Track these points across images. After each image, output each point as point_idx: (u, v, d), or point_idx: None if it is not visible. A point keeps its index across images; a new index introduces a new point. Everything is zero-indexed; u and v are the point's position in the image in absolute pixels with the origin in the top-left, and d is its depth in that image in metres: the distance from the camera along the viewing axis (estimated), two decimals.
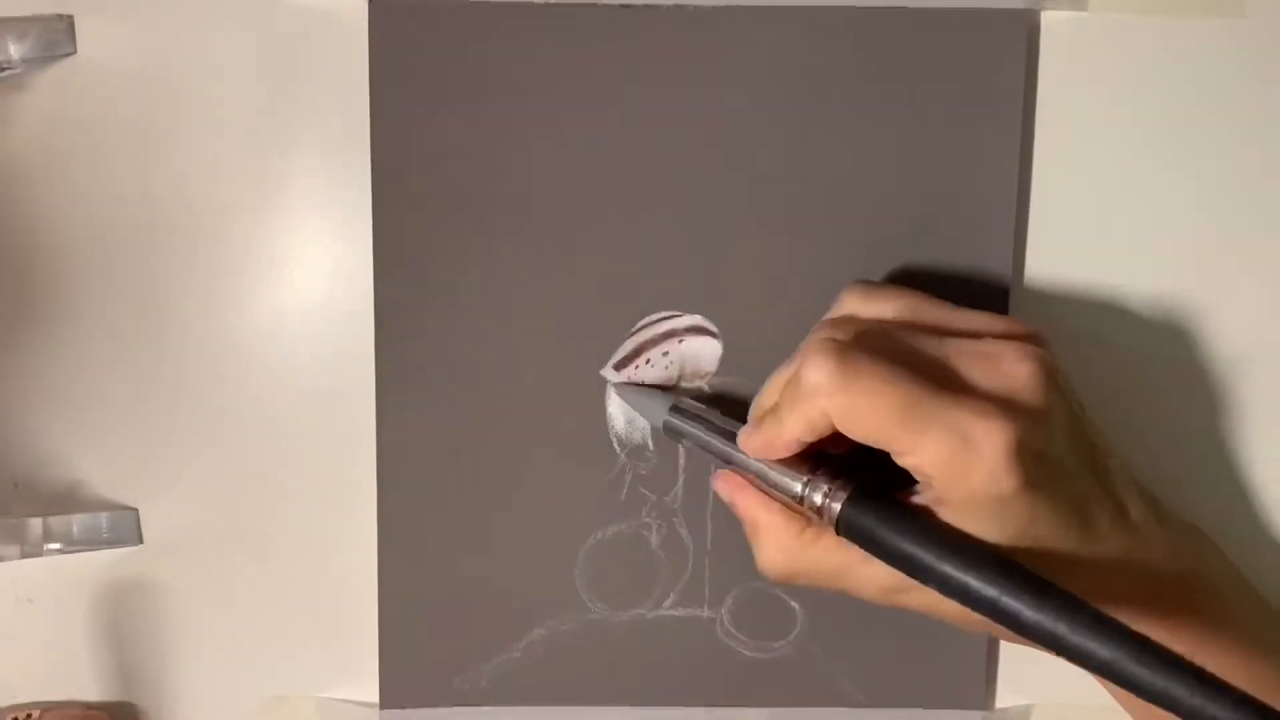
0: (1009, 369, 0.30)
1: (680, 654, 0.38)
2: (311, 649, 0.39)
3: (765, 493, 0.33)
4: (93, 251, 0.37)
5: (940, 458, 0.29)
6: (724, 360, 0.37)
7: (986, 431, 0.29)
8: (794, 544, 0.32)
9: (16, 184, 0.37)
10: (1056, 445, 0.30)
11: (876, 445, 0.30)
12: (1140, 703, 0.30)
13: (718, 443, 0.34)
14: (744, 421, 0.33)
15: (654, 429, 0.37)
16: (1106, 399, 0.38)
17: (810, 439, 0.31)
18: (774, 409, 0.32)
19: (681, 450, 0.37)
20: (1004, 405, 0.29)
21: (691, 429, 0.35)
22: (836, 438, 0.31)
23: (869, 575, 0.31)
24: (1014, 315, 0.37)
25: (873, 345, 0.30)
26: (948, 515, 0.30)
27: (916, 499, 0.30)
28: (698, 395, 0.37)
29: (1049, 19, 0.36)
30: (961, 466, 0.29)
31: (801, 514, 0.32)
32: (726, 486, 0.34)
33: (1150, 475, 0.37)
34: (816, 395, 0.30)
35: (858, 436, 0.30)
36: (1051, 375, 0.30)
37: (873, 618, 0.38)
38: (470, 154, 0.36)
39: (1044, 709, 0.39)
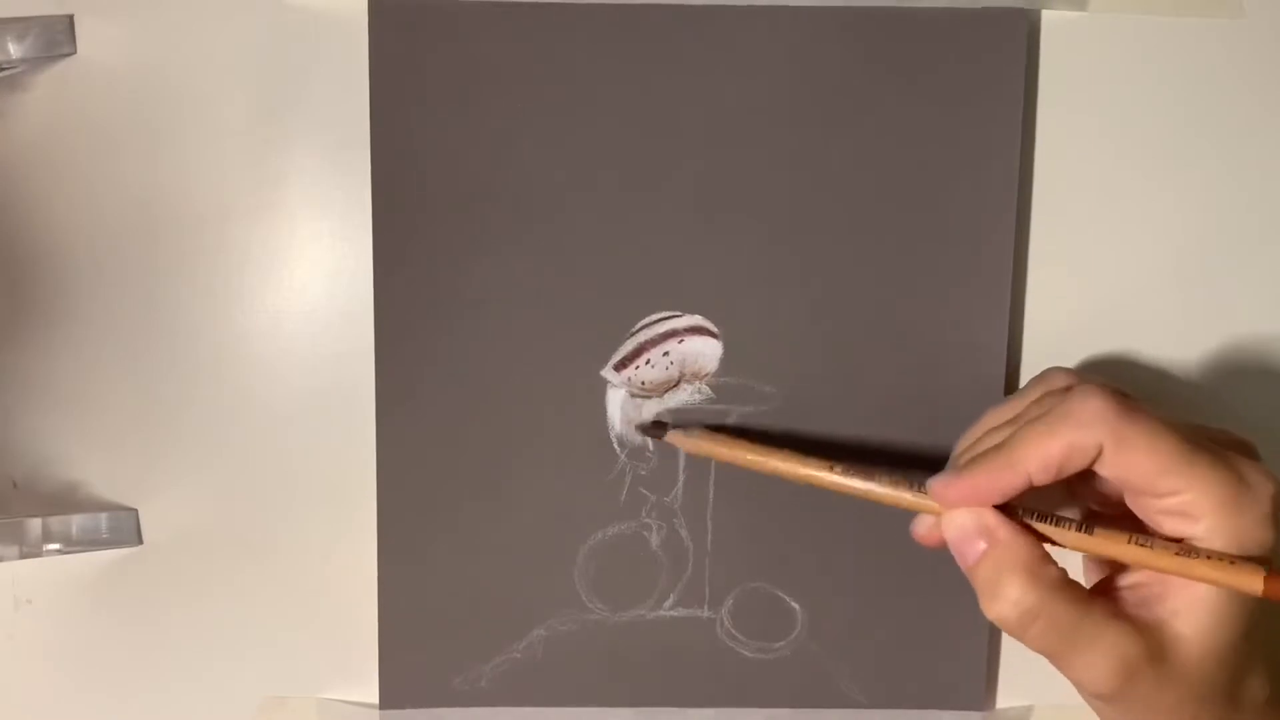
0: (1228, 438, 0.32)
1: (680, 654, 0.38)
2: (311, 649, 0.39)
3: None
4: (93, 251, 0.37)
5: (1219, 493, 0.29)
6: (724, 360, 0.37)
7: (1261, 475, 0.29)
8: (1042, 573, 0.30)
9: (16, 184, 0.37)
10: None
11: (1141, 480, 0.29)
12: None
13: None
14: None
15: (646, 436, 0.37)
16: None
17: (1047, 478, 0.30)
18: (999, 447, 0.31)
19: (681, 451, 0.37)
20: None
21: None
22: None
23: (1106, 645, 0.30)
24: (1014, 317, 0.37)
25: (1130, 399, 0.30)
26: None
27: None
28: (703, 398, 0.37)
29: (1049, 19, 0.36)
30: (1235, 505, 0.29)
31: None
32: (963, 495, 0.31)
33: None
34: (1097, 423, 0.29)
35: (1124, 469, 0.29)
36: None
37: (873, 618, 0.38)
38: (470, 154, 0.36)
39: (1044, 710, 0.39)
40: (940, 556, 0.38)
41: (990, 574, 0.30)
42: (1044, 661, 0.39)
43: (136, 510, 0.38)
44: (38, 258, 0.37)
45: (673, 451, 0.37)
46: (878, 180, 0.36)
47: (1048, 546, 0.31)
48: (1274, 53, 0.37)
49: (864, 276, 0.37)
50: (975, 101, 0.36)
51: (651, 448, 0.37)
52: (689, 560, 0.38)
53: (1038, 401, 0.32)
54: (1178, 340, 0.38)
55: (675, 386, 0.37)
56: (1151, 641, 0.30)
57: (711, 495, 0.38)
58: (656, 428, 0.37)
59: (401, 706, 0.38)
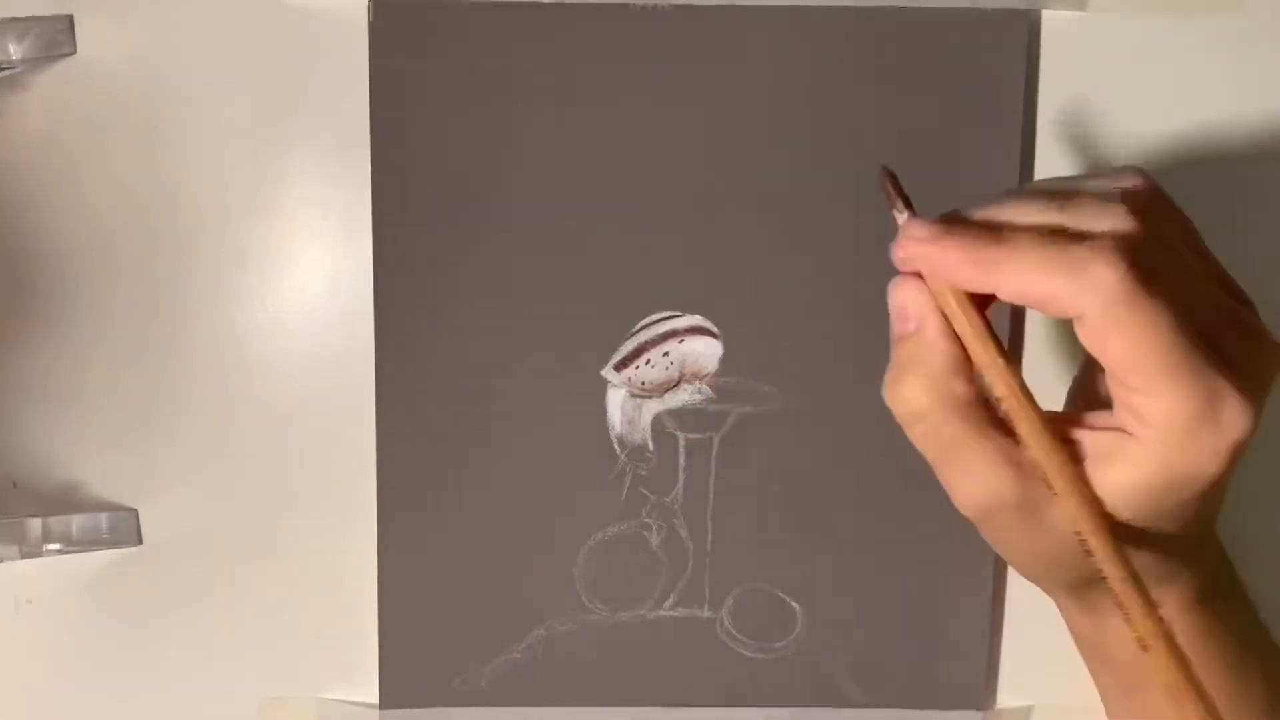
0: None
1: (680, 654, 0.38)
2: (311, 649, 0.39)
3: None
4: (93, 251, 0.37)
5: (1179, 412, 0.27)
6: (724, 360, 0.37)
7: (1239, 411, 0.27)
8: (945, 384, 0.28)
9: (16, 184, 0.37)
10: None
11: (1111, 363, 0.27)
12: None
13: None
14: None
15: (654, 429, 0.37)
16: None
17: (1018, 301, 0.28)
18: (998, 239, 0.27)
19: (681, 451, 0.37)
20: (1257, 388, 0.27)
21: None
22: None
23: (979, 474, 0.28)
24: (1015, 318, 0.37)
25: (1158, 267, 0.27)
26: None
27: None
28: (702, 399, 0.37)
29: (1049, 19, 0.36)
30: (1189, 431, 0.27)
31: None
32: (921, 254, 0.28)
33: None
34: (1092, 293, 0.26)
35: (1099, 347, 0.27)
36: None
37: (873, 618, 0.38)
38: (470, 154, 0.36)
39: (1044, 710, 0.39)
40: (940, 557, 0.38)
41: (902, 360, 0.29)
42: (1045, 661, 0.39)
43: (136, 510, 0.38)
44: (38, 258, 0.37)
45: (673, 451, 0.37)
46: (878, 180, 0.36)
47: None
48: (1274, 52, 0.37)
49: (864, 277, 0.37)
50: (975, 101, 0.36)
51: (652, 447, 0.37)
52: (689, 560, 0.38)
53: (1078, 203, 0.28)
54: None
55: (675, 386, 0.37)
56: (1029, 493, 0.28)
57: (711, 495, 0.38)
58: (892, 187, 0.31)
59: (401, 706, 0.38)
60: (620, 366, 0.37)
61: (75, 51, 0.36)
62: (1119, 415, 0.28)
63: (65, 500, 0.38)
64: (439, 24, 0.36)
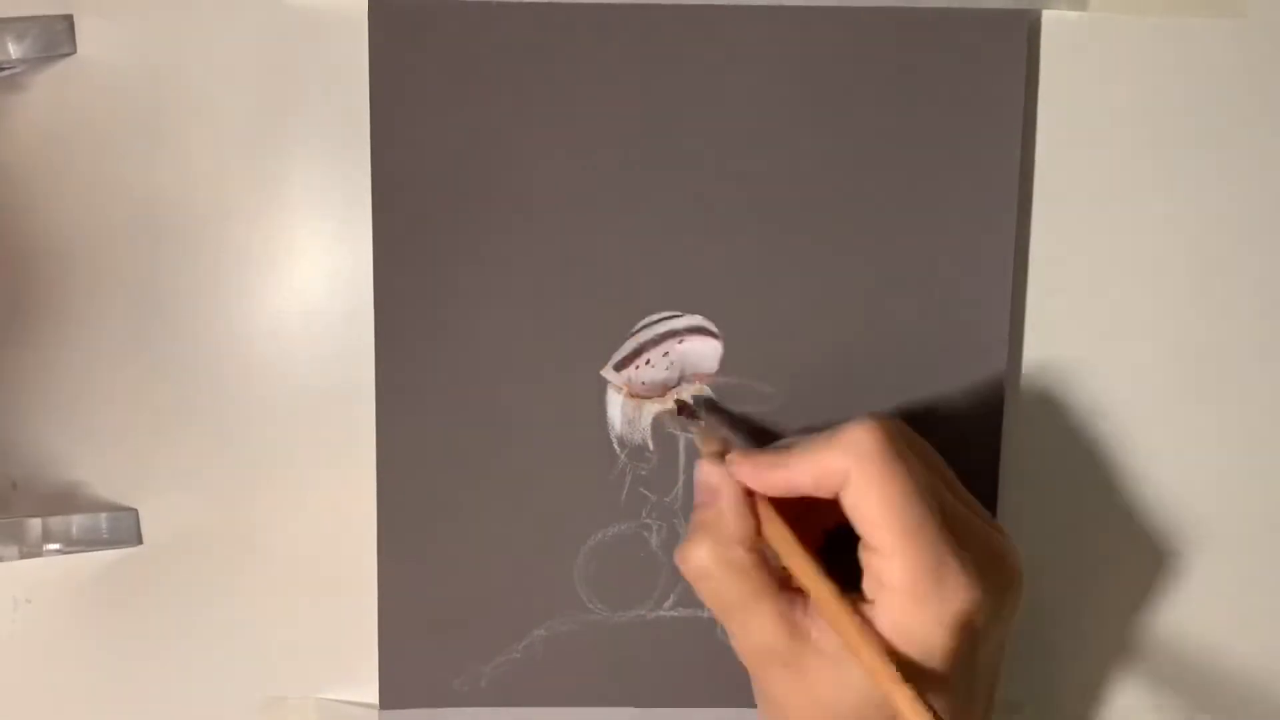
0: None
1: (680, 654, 0.38)
2: (311, 649, 0.39)
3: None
4: (92, 251, 0.37)
5: (911, 574, 0.29)
6: (724, 360, 0.37)
7: (963, 583, 0.29)
8: (730, 551, 0.32)
9: (16, 184, 0.37)
10: None
11: (859, 520, 0.30)
12: None
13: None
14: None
15: (654, 426, 0.37)
16: (1107, 402, 0.38)
17: (819, 491, 0.31)
18: (786, 450, 0.32)
19: (682, 450, 0.37)
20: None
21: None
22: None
23: (753, 629, 0.31)
24: (1015, 318, 0.37)
25: (907, 452, 0.31)
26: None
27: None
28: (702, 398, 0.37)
29: (1049, 19, 0.36)
30: (919, 596, 0.29)
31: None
32: (741, 474, 0.33)
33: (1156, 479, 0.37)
34: (849, 450, 0.30)
35: (853, 503, 0.30)
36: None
37: None
38: (470, 154, 0.36)
39: (1043, 709, 0.39)
40: None
41: (695, 526, 0.32)
42: (1042, 661, 0.39)
43: (136, 510, 0.38)
44: (38, 258, 0.37)
45: (673, 451, 0.37)
46: (878, 180, 0.36)
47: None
48: (1275, 52, 0.37)
49: (864, 277, 0.37)
50: (975, 102, 0.36)
51: (652, 447, 0.37)
52: None
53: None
54: (1177, 340, 0.38)
55: (675, 387, 0.37)
56: (797, 649, 0.31)
57: None
58: (685, 415, 0.37)
59: (401, 706, 0.38)
60: (620, 366, 0.37)
61: (75, 51, 0.36)
62: (866, 583, 0.30)
63: (65, 500, 0.38)
64: (438, 23, 0.36)
